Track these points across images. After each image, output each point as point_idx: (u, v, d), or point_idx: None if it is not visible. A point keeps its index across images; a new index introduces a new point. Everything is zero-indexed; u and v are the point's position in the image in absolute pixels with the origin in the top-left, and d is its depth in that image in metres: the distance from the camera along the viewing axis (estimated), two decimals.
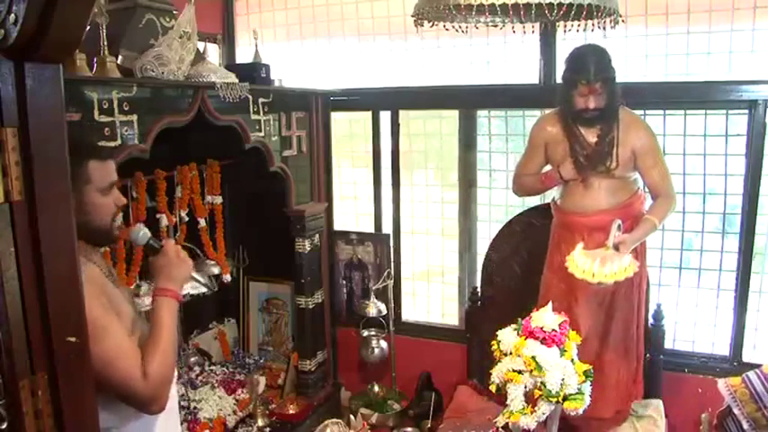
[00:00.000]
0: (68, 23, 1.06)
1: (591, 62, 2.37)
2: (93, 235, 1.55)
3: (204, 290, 1.72)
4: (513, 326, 2.18)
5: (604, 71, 2.37)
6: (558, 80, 2.59)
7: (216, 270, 2.91)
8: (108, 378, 1.44)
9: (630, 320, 2.63)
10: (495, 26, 2.63)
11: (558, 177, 2.54)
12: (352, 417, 3.16)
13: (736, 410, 1.85)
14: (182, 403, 2.77)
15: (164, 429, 1.67)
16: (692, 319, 3.00)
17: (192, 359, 3.16)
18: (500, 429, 2.26)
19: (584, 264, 2.28)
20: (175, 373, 1.83)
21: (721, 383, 1.92)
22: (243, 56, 3.63)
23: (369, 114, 3.45)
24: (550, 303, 2.19)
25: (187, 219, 2.91)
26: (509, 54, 3.11)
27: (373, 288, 3.33)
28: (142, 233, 1.73)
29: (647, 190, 2.61)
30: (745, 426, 1.84)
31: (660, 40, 2.82)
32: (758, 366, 2.50)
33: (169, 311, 1.59)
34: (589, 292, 2.52)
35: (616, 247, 2.32)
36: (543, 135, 2.61)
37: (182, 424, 2.57)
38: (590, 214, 2.51)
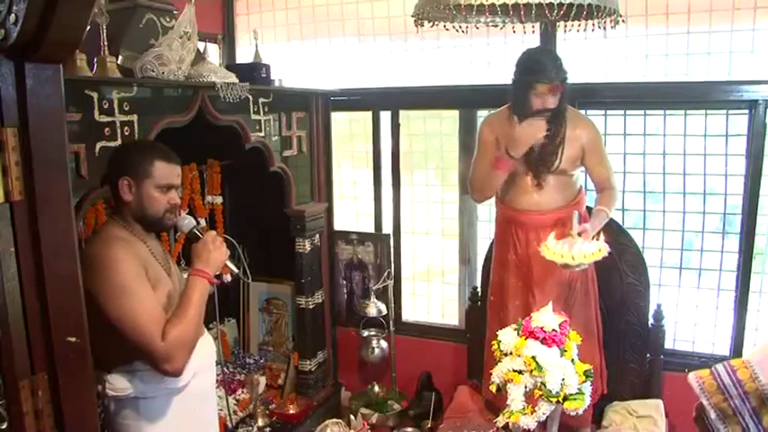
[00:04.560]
0: (68, 23, 1.06)
1: (549, 63, 2.40)
2: (146, 221, 1.80)
3: (236, 272, 2.04)
4: (513, 326, 2.18)
5: (563, 72, 2.40)
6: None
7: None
8: (131, 336, 1.62)
9: (590, 313, 2.67)
10: (496, 26, 2.64)
11: (508, 157, 2.47)
12: (352, 417, 3.16)
13: (704, 401, 1.89)
14: None
15: (192, 407, 1.84)
16: (693, 320, 2.99)
17: None
18: (500, 429, 2.26)
19: (562, 249, 2.29)
20: (214, 358, 1.99)
21: (691, 375, 1.95)
22: (243, 56, 3.63)
23: (369, 114, 3.45)
24: (551, 303, 2.20)
25: None
26: (509, 54, 3.10)
27: (373, 288, 3.33)
28: (187, 221, 1.93)
29: (588, 188, 2.70)
30: (713, 416, 1.89)
31: (660, 40, 2.82)
32: None
33: (199, 290, 1.76)
34: (546, 288, 2.55)
35: (579, 235, 2.36)
36: (494, 131, 2.60)
37: None
38: (546, 212, 2.56)
